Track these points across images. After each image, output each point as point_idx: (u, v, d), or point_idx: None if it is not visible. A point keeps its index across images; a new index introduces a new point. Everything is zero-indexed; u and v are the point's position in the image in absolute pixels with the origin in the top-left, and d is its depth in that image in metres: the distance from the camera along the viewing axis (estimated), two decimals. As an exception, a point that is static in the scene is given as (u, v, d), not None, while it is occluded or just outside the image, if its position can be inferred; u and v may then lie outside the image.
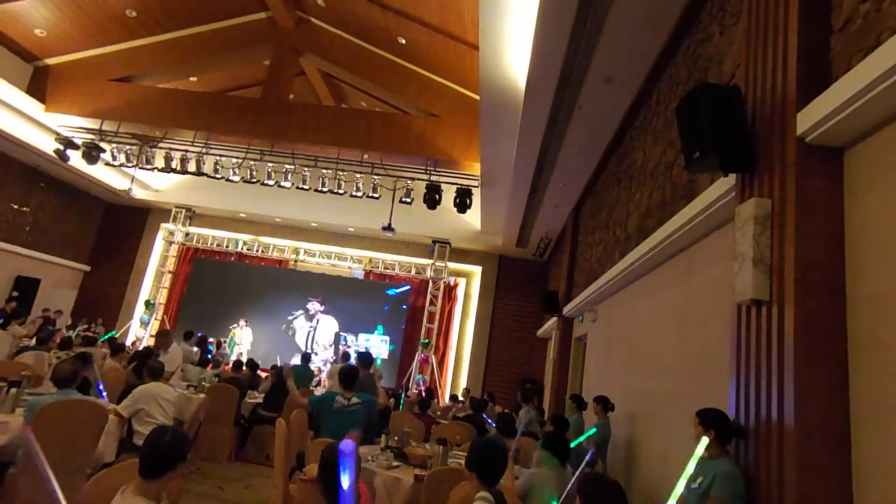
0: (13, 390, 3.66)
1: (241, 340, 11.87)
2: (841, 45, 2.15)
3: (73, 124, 9.22)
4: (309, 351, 11.06)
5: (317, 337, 12.24)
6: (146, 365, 4.32)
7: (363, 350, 5.58)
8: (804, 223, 2.11)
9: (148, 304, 12.27)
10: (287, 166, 9.03)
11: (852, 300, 2.02)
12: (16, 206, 10.64)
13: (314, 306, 12.36)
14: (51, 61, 9.15)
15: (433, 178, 8.62)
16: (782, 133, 2.28)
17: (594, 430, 4.62)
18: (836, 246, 2.10)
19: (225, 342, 11.30)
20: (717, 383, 2.85)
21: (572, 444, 3.64)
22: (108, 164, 9.38)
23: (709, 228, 3.36)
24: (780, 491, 1.93)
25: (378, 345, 12.02)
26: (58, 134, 9.13)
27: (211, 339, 9.98)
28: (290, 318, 12.35)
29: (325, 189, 8.93)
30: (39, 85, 9.07)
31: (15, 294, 10.70)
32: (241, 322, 12.04)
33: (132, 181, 10.91)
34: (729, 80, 3.19)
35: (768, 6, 2.51)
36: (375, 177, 8.90)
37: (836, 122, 2.01)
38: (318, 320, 12.33)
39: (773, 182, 2.30)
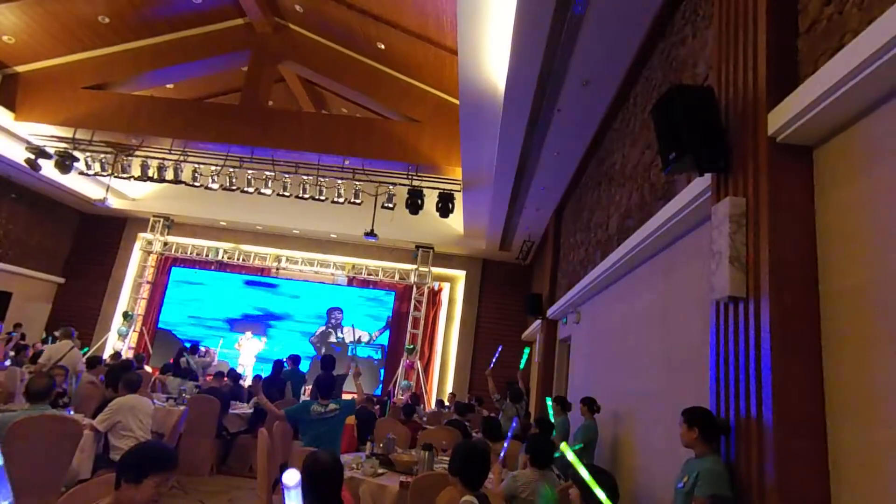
0: (-18, 407, 3.54)
1: (245, 352, 11.69)
2: (807, 46, 2.21)
3: (44, 133, 9.00)
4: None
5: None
6: (121, 377, 4.21)
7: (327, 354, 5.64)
8: (777, 221, 2.15)
9: (126, 315, 12.00)
10: (267, 173, 8.93)
11: (825, 295, 2.06)
12: (-15, 218, 10.32)
13: (336, 317, 12.24)
14: (20, 68, 8.93)
15: (415, 183, 8.61)
16: (754, 133, 2.33)
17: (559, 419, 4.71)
18: (808, 242, 2.14)
19: (213, 351, 11.08)
20: (698, 380, 2.88)
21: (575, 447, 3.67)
22: (82, 173, 9.17)
23: (687, 228, 3.41)
24: (761, 483, 1.96)
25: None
26: (29, 143, 8.90)
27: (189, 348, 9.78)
28: (321, 330, 12.21)
29: (306, 196, 8.86)
30: (8, 93, 8.83)
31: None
32: (248, 333, 11.84)
33: (107, 190, 10.67)
34: (703, 81, 3.26)
35: (738, 9, 2.57)
36: (357, 182, 8.86)
37: (804, 122, 2.06)
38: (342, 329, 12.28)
39: (747, 181, 2.35)
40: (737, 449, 2.17)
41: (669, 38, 4.05)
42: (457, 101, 6.41)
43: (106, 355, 10.85)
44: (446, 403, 9.73)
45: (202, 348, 9.45)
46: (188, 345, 10.00)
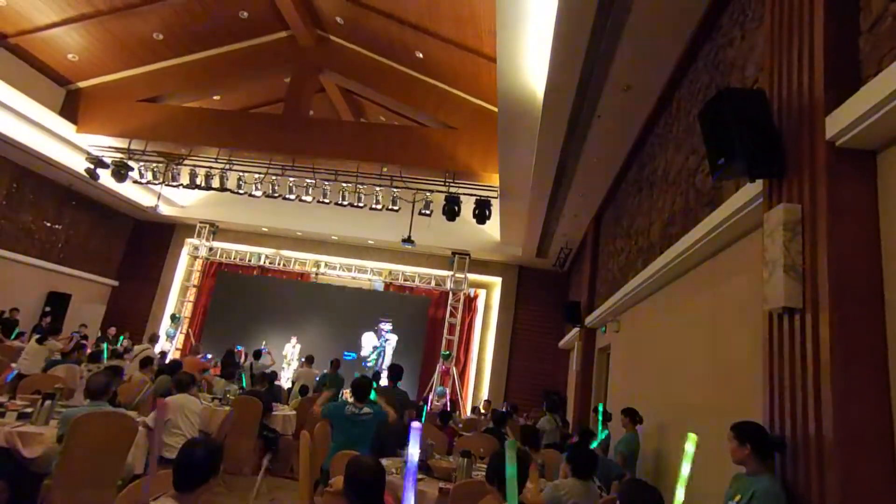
0: (48, 402, 3.75)
1: (291, 357, 12.01)
2: (870, 46, 2.11)
3: (102, 144, 9.54)
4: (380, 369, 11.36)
5: (386, 354, 12.45)
6: (173, 377, 4.39)
7: (394, 364, 5.53)
8: (837, 228, 2.06)
9: (174, 317, 12.52)
10: (308, 181, 9.17)
11: (892, 306, 1.95)
12: (49, 224, 11.01)
13: (387, 327, 12.50)
14: (82, 84, 9.51)
15: (452, 189, 8.65)
16: (811, 137, 2.24)
17: (604, 433, 4.56)
18: (871, 251, 2.04)
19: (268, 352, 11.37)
20: (749, 394, 2.77)
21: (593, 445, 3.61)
22: (135, 181, 9.65)
23: (736, 235, 3.30)
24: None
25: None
26: (88, 154, 9.44)
27: (239, 350, 10.10)
28: (377, 344, 12.50)
29: (345, 202, 9.03)
30: (72, 107, 9.42)
31: (48, 309, 11.02)
32: (293, 339, 12.17)
33: (158, 198, 11.19)
34: (752, 84, 3.16)
35: (792, 9, 2.48)
36: (395, 189, 8.98)
37: (868, 126, 1.97)
38: (385, 339, 12.48)
39: (803, 187, 2.25)
40: (794, 467, 2.07)
41: (716, 40, 3.94)
42: (494, 108, 6.42)
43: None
44: (482, 410, 9.68)
45: (264, 350, 9.76)
46: (239, 348, 10.33)
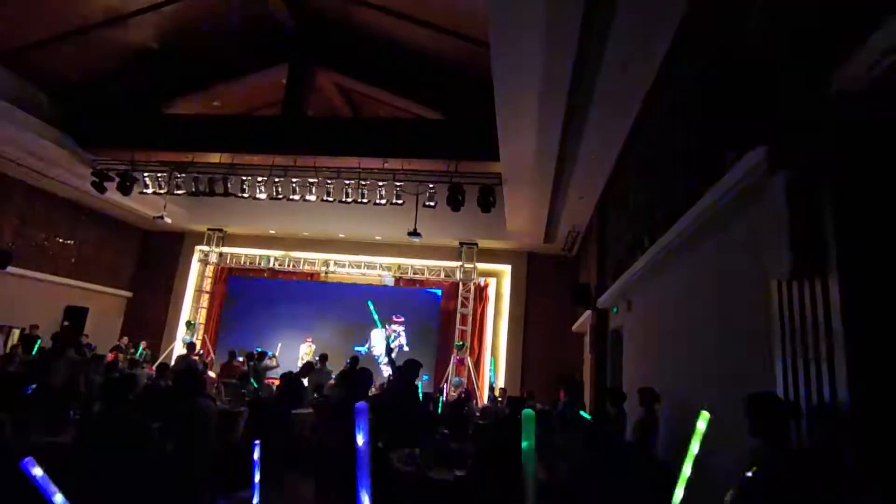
0: (66, 412, 3.81)
1: (305, 357, 12.12)
2: (868, -3, 2.03)
3: (106, 157, 9.60)
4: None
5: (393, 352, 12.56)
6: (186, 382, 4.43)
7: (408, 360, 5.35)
8: (843, 190, 2.00)
9: (189, 324, 12.66)
10: (311, 180, 9.17)
11: (902, 266, 1.89)
12: (61, 240, 11.17)
13: (398, 327, 12.58)
14: (82, 98, 9.56)
15: (455, 179, 8.60)
16: (813, 98, 2.17)
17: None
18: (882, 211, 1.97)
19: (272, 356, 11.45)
20: (763, 363, 2.72)
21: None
22: (141, 192, 9.73)
23: (741, 205, 3.22)
24: (842, 469, 1.82)
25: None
26: (94, 168, 9.52)
27: (258, 352, 10.18)
28: (390, 339, 12.57)
29: (349, 200, 9.03)
30: (73, 121, 9.48)
31: (66, 324, 11.20)
32: (308, 339, 12.26)
33: (164, 207, 11.28)
34: (754, 47, 3.07)
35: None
36: (398, 183, 8.95)
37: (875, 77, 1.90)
38: (397, 343, 12.57)
39: (807, 150, 2.19)
40: (809, 434, 2.03)
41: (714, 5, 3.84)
42: (492, 93, 6.34)
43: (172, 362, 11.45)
44: (497, 398, 9.69)
45: (269, 354, 9.85)
46: (258, 349, 10.43)
